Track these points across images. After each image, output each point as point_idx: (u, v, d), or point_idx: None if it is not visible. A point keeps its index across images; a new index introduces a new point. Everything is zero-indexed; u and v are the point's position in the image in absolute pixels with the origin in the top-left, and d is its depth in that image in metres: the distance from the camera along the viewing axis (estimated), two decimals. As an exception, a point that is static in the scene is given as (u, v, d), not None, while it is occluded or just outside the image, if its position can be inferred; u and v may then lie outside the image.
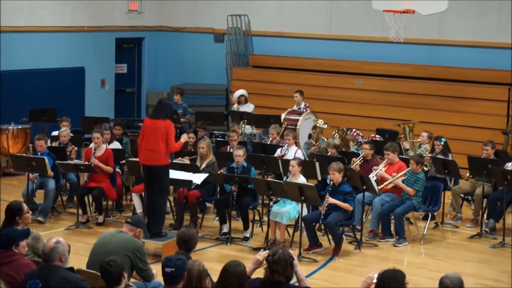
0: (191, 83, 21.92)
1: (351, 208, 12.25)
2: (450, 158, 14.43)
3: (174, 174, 12.55)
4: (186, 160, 13.88)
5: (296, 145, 15.09)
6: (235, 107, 18.34)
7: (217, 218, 13.53)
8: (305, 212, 12.54)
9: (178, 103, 18.00)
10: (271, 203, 12.65)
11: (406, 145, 15.41)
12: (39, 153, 13.94)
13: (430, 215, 13.51)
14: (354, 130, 15.97)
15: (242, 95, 18.31)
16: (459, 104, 18.26)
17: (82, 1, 20.45)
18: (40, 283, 7.09)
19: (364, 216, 13.29)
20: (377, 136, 16.18)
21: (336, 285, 11.05)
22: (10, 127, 17.14)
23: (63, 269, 7.18)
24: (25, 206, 8.72)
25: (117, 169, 14.36)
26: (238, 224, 13.39)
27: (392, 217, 13.08)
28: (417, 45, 18.89)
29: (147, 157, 11.98)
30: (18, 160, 14.17)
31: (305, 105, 17.55)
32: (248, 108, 18.04)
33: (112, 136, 14.81)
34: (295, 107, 17.47)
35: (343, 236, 12.47)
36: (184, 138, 12.71)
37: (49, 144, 14.64)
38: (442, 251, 12.87)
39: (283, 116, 17.10)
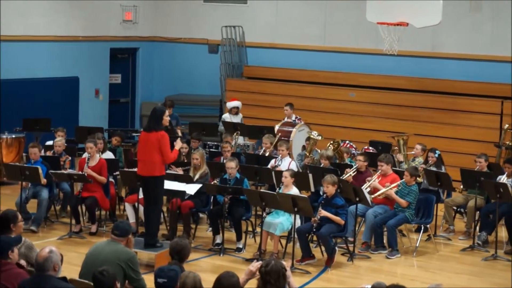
0: (185, 94, 21.97)
1: (342, 222, 12.22)
2: (443, 170, 14.46)
3: (167, 184, 12.54)
4: (179, 171, 13.90)
5: (290, 157, 15.10)
6: (226, 115, 18.31)
7: (210, 228, 13.51)
8: (299, 223, 12.56)
9: (170, 115, 18.04)
10: (264, 214, 12.66)
11: (400, 157, 15.41)
12: (32, 161, 13.94)
13: (422, 228, 13.53)
14: (347, 142, 15.98)
15: (236, 107, 18.33)
16: (452, 116, 18.31)
17: (77, 11, 20.46)
18: (32, 293, 7.08)
19: (357, 228, 13.30)
20: (370, 148, 16.17)
21: (329, 297, 11.07)
22: (4, 136, 17.10)
23: (56, 278, 7.16)
24: (19, 215, 8.72)
25: (111, 179, 14.34)
26: (231, 235, 13.38)
27: (385, 229, 13.09)
28: (410, 57, 18.95)
29: (141, 167, 12.00)
30: (11, 169, 14.15)
31: (296, 117, 17.54)
32: (238, 118, 18.06)
33: (105, 145, 14.81)
34: (286, 120, 17.48)
35: (336, 247, 12.47)
36: (178, 145, 12.53)
37: (43, 154, 14.62)
38: (434, 263, 12.88)
39: (276, 127, 17.10)
